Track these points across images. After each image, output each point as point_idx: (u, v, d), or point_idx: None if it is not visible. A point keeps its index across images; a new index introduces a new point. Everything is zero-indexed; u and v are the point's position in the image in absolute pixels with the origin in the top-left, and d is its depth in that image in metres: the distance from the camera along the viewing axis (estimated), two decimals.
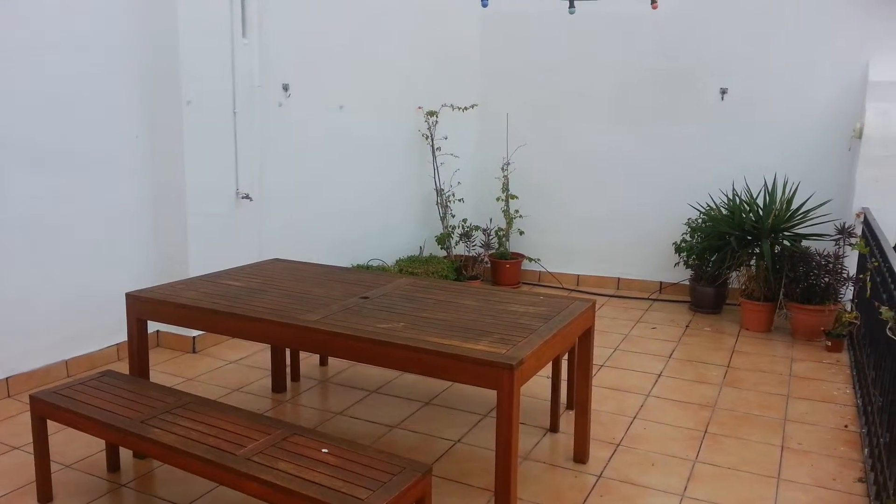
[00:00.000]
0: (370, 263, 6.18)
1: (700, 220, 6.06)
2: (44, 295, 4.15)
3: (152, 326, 4.63)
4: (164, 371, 4.46)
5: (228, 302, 3.27)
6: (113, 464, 3.24)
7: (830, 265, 5.18)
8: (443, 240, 6.68)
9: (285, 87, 5.30)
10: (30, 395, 2.99)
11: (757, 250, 5.55)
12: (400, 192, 6.67)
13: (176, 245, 4.70)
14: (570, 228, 6.92)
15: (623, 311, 6.08)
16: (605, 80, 6.62)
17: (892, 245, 4.03)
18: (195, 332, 4.78)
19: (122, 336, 4.43)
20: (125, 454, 3.32)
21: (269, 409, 3.97)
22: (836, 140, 5.87)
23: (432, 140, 6.66)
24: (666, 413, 3.98)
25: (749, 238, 5.58)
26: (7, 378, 4.02)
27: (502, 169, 6.88)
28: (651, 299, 6.45)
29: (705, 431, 3.75)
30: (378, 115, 6.27)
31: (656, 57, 6.40)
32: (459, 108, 6.61)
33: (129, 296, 3.39)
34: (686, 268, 6.21)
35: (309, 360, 4.69)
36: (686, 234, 6.15)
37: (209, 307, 3.20)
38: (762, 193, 5.83)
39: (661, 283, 6.62)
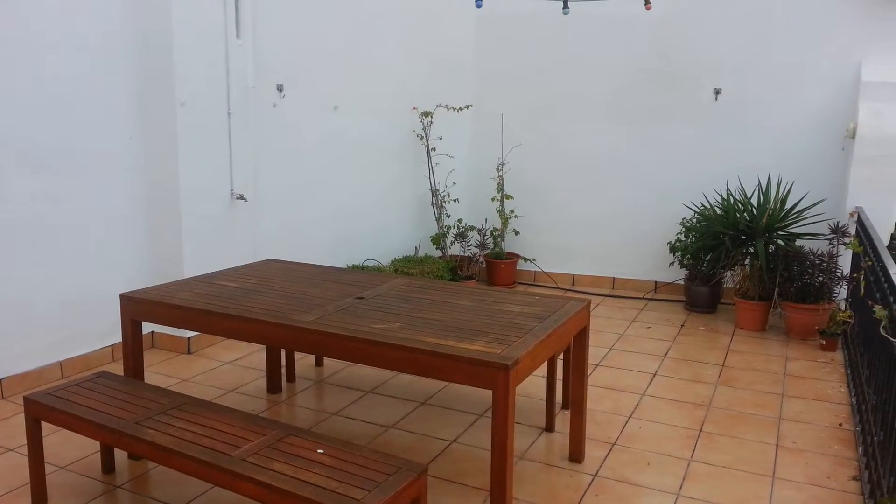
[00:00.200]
0: (365, 264, 6.18)
1: (695, 220, 6.08)
2: (38, 296, 4.13)
3: (147, 327, 4.62)
4: (158, 372, 4.45)
5: (223, 303, 3.26)
6: (108, 465, 3.23)
7: (824, 264, 5.20)
8: (438, 240, 6.68)
9: (279, 88, 5.30)
10: (24, 397, 2.98)
11: (751, 250, 5.56)
12: (395, 193, 6.67)
13: (170, 246, 4.69)
14: (566, 228, 6.93)
15: (618, 310, 6.09)
16: (599, 80, 6.64)
17: (886, 244, 4.04)
18: (190, 333, 4.77)
19: (117, 337, 4.41)
20: (120, 455, 3.31)
21: (265, 409, 3.97)
22: (830, 140, 5.89)
23: (427, 140, 6.66)
24: (661, 412, 3.99)
25: (743, 237, 5.60)
26: (1, 379, 4.00)
27: (497, 169, 6.89)
28: (646, 299, 6.47)
29: (700, 430, 3.76)
30: (373, 115, 6.27)
31: (650, 57, 6.42)
32: (454, 109, 6.62)
33: (123, 297, 3.38)
34: (681, 267, 6.23)
35: (304, 361, 4.68)
36: (681, 233, 6.17)
37: (204, 308, 3.20)
38: (756, 193, 5.84)
39: (655, 282, 6.64)
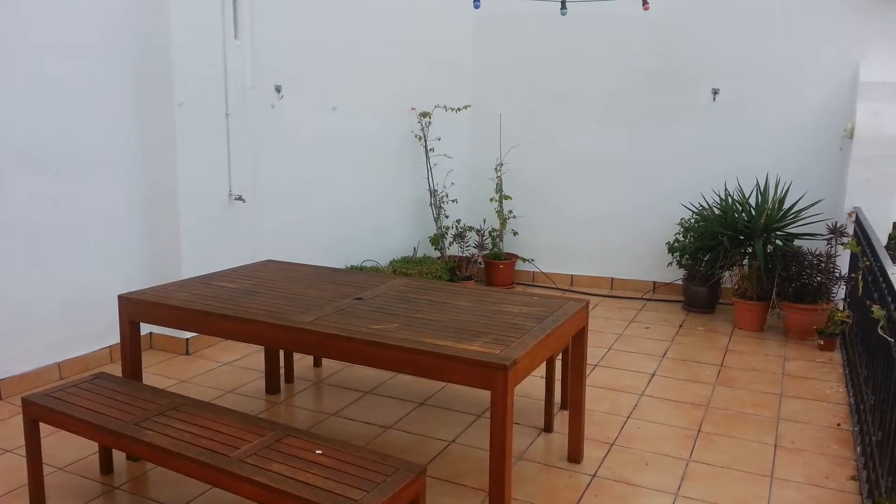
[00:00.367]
0: (364, 264, 6.17)
1: (693, 220, 6.08)
2: (37, 297, 4.13)
3: (145, 328, 4.62)
4: (157, 373, 4.45)
5: (222, 303, 3.26)
6: (106, 466, 3.23)
7: (823, 264, 5.21)
8: (436, 240, 6.68)
9: (278, 89, 5.30)
10: (22, 398, 2.98)
11: (749, 250, 5.57)
12: (393, 193, 6.67)
13: (169, 246, 4.69)
14: (564, 229, 6.94)
15: (617, 310, 6.10)
16: (598, 80, 6.64)
17: (884, 244, 4.05)
18: (188, 334, 4.77)
19: (115, 338, 4.36)
20: (118, 457, 3.31)
21: (263, 410, 3.97)
22: (828, 140, 5.89)
23: (425, 141, 6.66)
24: (660, 412, 3.99)
25: (742, 238, 5.60)
26: None
27: (496, 170, 6.89)
28: (644, 299, 6.47)
29: (699, 430, 3.76)
30: (371, 116, 6.27)
31: (648, 58, 6.43)
32: (452, 109, 6.62)
33: (121, 298, 3.38)
34: (679, 267, 6.23)
35: (303, 362, 4.68)
36: (679, 233, 6.17)
37: (202, 309, 3.19)
38: (754, 193, 5.85)
39: (654, 282, 6.64)
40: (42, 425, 2.95)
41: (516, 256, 6.98)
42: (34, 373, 4.15)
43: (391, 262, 6.34)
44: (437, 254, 6.78)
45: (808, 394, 4.26)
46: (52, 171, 4.13)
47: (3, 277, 3.95)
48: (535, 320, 3.03)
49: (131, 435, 2.64)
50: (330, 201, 5.94)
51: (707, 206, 6.03)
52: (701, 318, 5.90)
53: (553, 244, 6.98)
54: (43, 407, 2.90)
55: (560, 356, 3.97)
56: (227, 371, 4.55)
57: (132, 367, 3.38)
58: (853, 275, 4.69)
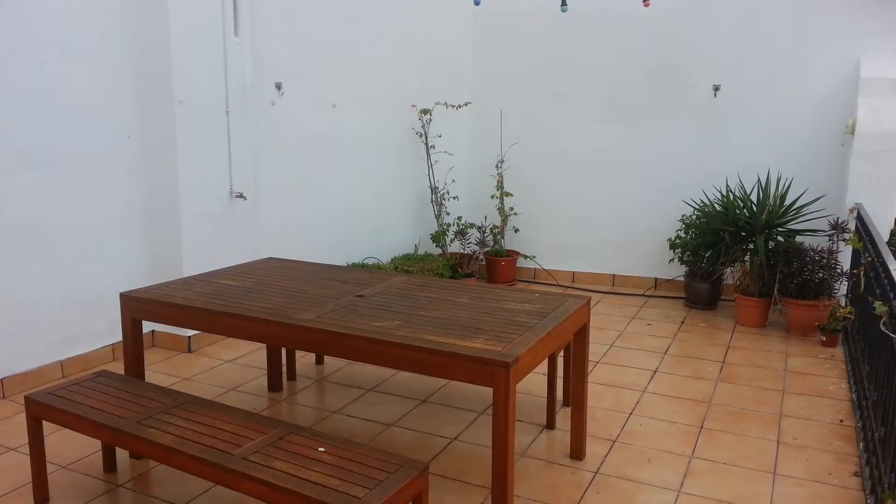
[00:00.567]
0: (365, 262, 6.17)
1: (694, 217, 6.08)
2: (38, 296, 4.13)
3: (147, 326, 4.63)
4: (159, 371, 4.45)
5: (223, 301, 3.26)
6: (109, 464, 3.23)
7: (824, 260, 5.20)
8: (438, 238, 6.68)
9: (278, 86, 5.29)
10: (25, 396, 2.98)
11: (751, 246, 5.56)
12: (394, 191, 6.67)
13: (170, 244, 4.69)
14: (565, 225, 6.93)
15: (618, 307, 6.10)
16: (598, 77, 6.63)
17: (886, 240, 4.04)
18: (190, 332, 4.77)
19: (118, 336, 4.41)
20: (121, 454, 3.31)
21: (266, 408, 3.97)
22: (829, 136, 5.89)
23: (426, 138, 6.65)
24: (662, 409, 3.99)
25: (743, 234, 5.60)
26: (2, 379, 4.00)
27: (496, 166, 6.89)
28: (646, 296, 6.47)
29: (701, 427, 3.76)
30: (372, 113, 6.26)
31: (649, 54, 6.42)
32: (453, 107, 6.61)
33: (123, 296, 3.38)
34: (681, 264, 6.23)
35: (305, 359, 4.69)
36: (680, 230, 6.17)
37: (204, 307, 3.19)
38: (756, 189, 5.84)
39: (656, 279, 6.64)
40: (45, 423, 2.96)
41: (518, 253, 6.97)
42: (37, 371, 4.16)
43: (392, 260, 6.35)
44: (439, 251, 6.78)
45: (811, 390, 4.26)
46: (53, 170, 4.13)
47: (5, 276, 3.96)
48: (536, 317, 3.03)
49: (134, 433, 2.64)
50: (331, 198, 5.94)
51: (708, 203, 6.03)
52: (703, 314, 5.90)
53: (554, 241, 6.97)
54: (46, 405, 2.90)
55: (562, 353, 3.97)
56: (229, 369, 4.56)
57: (134, 365, 3.39)
58: (855, 271, 4.69)
